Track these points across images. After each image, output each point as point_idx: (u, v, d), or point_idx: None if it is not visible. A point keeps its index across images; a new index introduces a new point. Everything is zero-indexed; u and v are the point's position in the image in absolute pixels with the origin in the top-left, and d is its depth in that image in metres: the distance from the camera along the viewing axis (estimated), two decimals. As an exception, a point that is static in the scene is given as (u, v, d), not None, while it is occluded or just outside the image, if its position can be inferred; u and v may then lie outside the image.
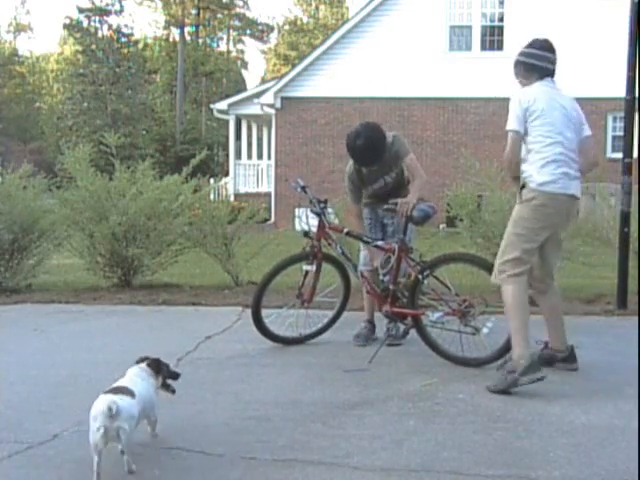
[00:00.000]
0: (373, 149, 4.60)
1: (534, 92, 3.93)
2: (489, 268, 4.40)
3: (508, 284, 3.90)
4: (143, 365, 3.19)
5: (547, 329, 4.23)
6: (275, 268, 4.84)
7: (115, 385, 2.98)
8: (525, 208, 3.92)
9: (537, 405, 3.58)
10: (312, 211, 4.81)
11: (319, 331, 4.99)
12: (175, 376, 3.32)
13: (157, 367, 3.22)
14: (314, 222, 4.83)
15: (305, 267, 4.78)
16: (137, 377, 3.10)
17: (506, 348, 4.16)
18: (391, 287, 4.52)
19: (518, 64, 4.10)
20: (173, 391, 3.29)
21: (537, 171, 3.87)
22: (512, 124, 3.88)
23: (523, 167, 3.94)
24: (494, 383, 3.82)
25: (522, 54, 4.08)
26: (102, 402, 2.73)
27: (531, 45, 4.08)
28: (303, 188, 4.87)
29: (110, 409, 2.67)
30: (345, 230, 4.84)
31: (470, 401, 3.65)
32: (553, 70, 4.05)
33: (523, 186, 3.93)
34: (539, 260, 4.10)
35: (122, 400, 2.77)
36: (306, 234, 4.78)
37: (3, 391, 3.89)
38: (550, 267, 4.19)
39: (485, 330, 4.35)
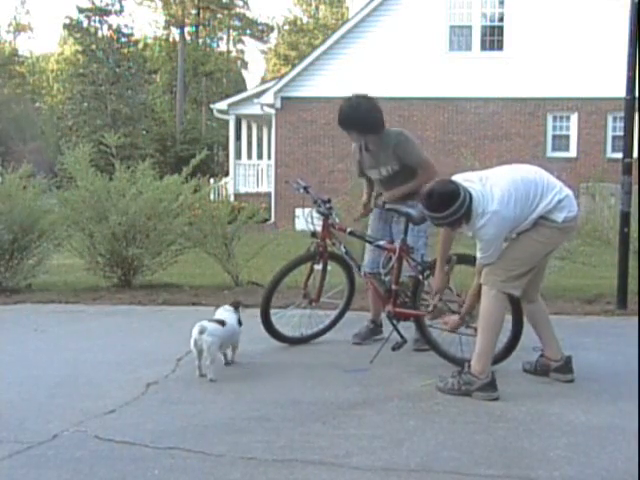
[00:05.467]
0: (352, 116, 4.77)
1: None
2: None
3: (499, 297, 3.75)
4: (227, 306, 4.46)
5: (541, 339, 4.10)
6: (284, 269, 4.83)
7: (215, 318, 4.23)
8: (548, 230, 3.77)
9: (537, 405, 3.58)
10: (318, 211, 4.80)
11: (323, 330, 4.98)
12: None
13: (236, 305, 4.49)
14: (318, 222, 4.83)
15: (316, 266, 4.79)
16: (226, 312, 4.34)
17: (506, 349, 4.15)
18: (393, 287, 4.51)
19: None
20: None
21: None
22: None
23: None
24: (447, 385, 3.77)
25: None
26: (197, 324, 4.03)
27: None
28: (305, 188, 4.86)
29: (200, 328, 3.97)
30: (348, 230, 4.84)
31: (470, 401, 3.65)
32: None
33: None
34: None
35: (209, 324, 4.05)
36: (313, 234, 4.78)
37: (3, 391, 3.88)
38: (542, 276, 4.13)
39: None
